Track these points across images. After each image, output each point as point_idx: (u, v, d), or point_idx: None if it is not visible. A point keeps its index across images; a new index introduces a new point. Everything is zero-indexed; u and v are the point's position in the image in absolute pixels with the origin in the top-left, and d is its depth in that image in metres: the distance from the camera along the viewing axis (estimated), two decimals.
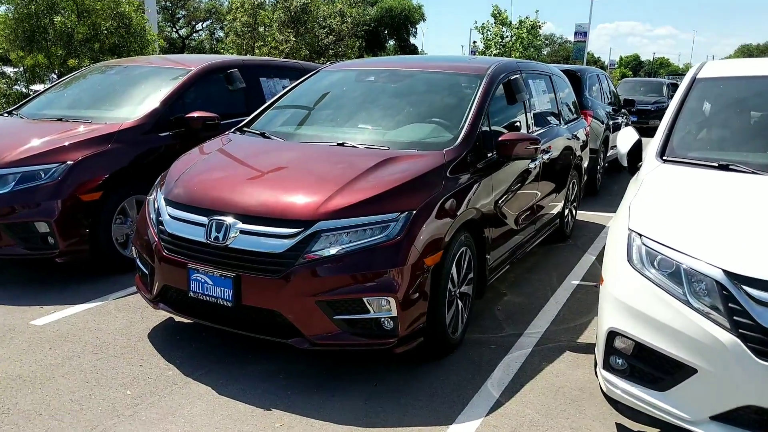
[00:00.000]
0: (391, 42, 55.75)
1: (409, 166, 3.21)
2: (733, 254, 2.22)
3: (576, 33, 44.58)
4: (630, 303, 2.39)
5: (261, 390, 2.91)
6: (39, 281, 4.31)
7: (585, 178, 6.44)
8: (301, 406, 2.77)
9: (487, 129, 3.77)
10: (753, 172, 2.81)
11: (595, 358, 2.76)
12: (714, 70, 3.65)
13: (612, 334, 2.45)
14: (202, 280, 2.95)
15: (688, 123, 3.33)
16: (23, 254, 4.21)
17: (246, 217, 2.92)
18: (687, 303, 2.24)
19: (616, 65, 77.91)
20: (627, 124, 10.78)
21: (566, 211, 5.69)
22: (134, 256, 3.49)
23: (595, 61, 76.54)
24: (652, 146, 3.23)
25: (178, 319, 3.63)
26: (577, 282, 4.64)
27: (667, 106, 12.70)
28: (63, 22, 8.20)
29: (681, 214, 2.55)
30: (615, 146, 9.71)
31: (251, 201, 2.97)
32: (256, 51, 15.93)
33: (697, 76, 3.59)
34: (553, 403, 2.88)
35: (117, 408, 2.73)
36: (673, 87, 22.29)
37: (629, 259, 2.47)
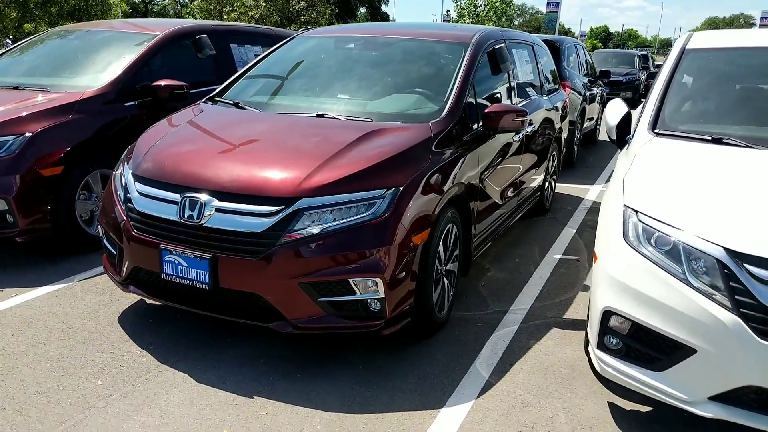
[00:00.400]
0: (363, 10, 54.67)
1: (394, 139, 3.05)
2: (734, 231, 2.15)
3: (548, 3, 44.38)
4: (626, 281, 2.31)
5: (241, 376, 2.77)
6: None
7: (564, 150, 6.38)
8: (284, 393, 2.65)
9: (473, 100, 3.62)
10: (747, 146, 2.74)
11: (587, 337, 2.70)
12: (703, 41, 3.55)
13: (607, 314, 2.38)
14: (176, 262, 2.76)
15: (678, 95, 3.24)
16: None
17: (222, 194, 2.73)
18: (686, 281, 2.17)
19: (586, 36, 78.20)
20: (602, 96, 10.77)
21: (546, 184, 5.63)
22: (101, 234, 3.28)
23: (566, 32, 76.72)
24: (643, 119, 3.14)
25: (149, 300, 3.45)
26: (559, 256, 4.59)
27: (638, 77, 12.77)
28: None
29: (677, 190, 2.47)
30: (591, 118, 9.79)
31: (227, 176, 2.78)
32: (225, 17, 15.32)
33: (686, 47, 3.49)
34: (543, 382, 2.82)
35: (88, 399, 2.56)
36: (644, 59, 22.40)
37: (625, 236, 2.38)
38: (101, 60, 4.93)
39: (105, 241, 3.23)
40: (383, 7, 54.49)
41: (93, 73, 4.77)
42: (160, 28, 5.26)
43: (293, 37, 4.48)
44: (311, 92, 3.84)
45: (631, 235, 2.37)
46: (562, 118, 5.95)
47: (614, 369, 2.37)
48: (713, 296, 2.11)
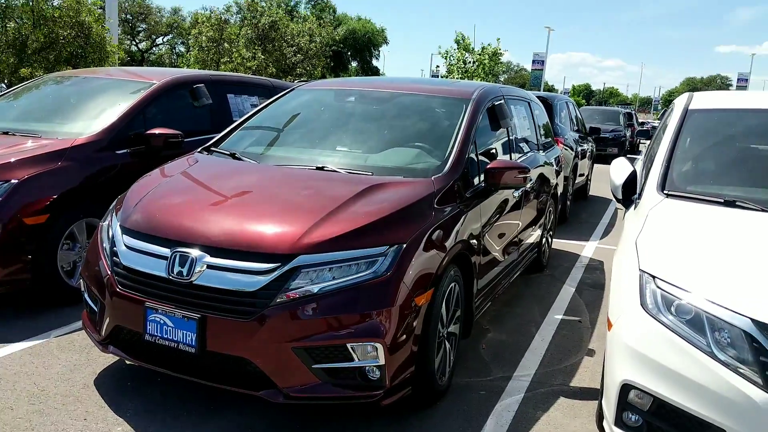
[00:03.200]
0: (354, 63, 56.06)
1: (396, 194, 2.94)
2: (762, 301, 2.03)
3: (534, 61, 45.86)
4: (645, 352, 2.16)
5: None
6: None
7: (560, 205, 6.32)
8: None
9: (474, 156, 3.55)
10: (762, 210, 2.66)
11: (600, 409, 2.52)
12: (705, 102, 3.55)
13: (626, 387, 2.22)
14: (161, 322, 2.57)
15: (685, 155, 3.19)
16: None
17: (214, 249, 2.57)
18: (711, 354, 2.03)
19: (569, 94, 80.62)
20: (592, 152, 10.88)
21: (543, 240, 5.53)
22: (82, 289, 3.08)
23: (549, 89, 78.96)
24: (650, 179, 3.07)
25: (129, 363, 3.21)
26: (560, 316, 4.43)
27: (624, 134, 13.07)
28: (16, 29, 7.66)
29: (696, 255, 2.36)
30: (583, 173, 9.83)
31: (221, 231, 2.63)
32: (221, 66, 15.51)
33: (689, 108, 3.47)
34: None
35: None
36: (629, 116, 22.91)
37: (642, 303, 2.25)
38: (95, 107, 4.85)
39: (86, 296, 3.03)
40: (374, 61, 55.94)
41: (86, 119, 4.67)
42: (157, 76, 5.22)
43: (292, 89, 4.43)
44: (311, 144, 3.75)
45: (649, 302, 2.24)
46: (557, 174, 5.92)
47: None
48: (741, 371, 1.96)
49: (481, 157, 3.66)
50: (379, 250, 2.58)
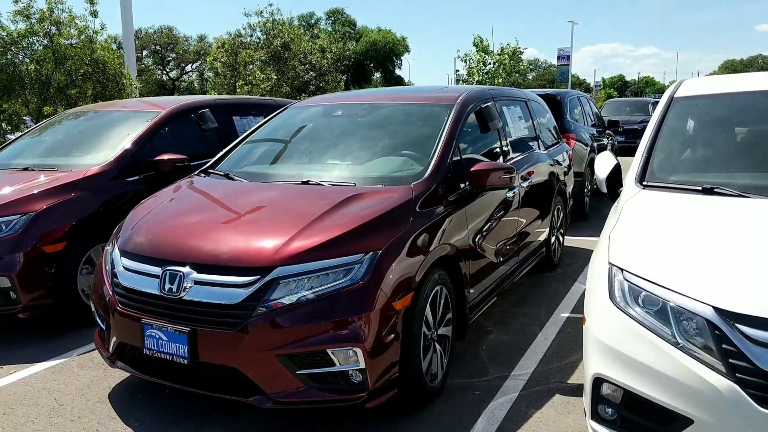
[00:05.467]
0: (377, 74, 56.54)
1: (374, 202, 3.03)
2: (724, 289, 2.03)
3: (559, 57, 45.35)
4: (614, 345, 2.18)
5: None
6: (0, 339, 4.07)
7: (571, 202, 6.28)
8: None
9: (459, 159, 3.61)
10: (739, 195, 2.63)
11: (584, 406, 2.54)
12: (691, 88, 3.52)
13: (598, 381, 2.24)
14: (157, 336, 2.73)
15: (667, 145, 3.18)
16: None
17: (201, 266, 2.73)
18: (676, 345, 2.04)
19: (601, 87, 79.01)
20: (613, 145, 10.71)
21: (552, 238, 5.51)
22: (92, 310, 3.28)
23: (579, 84, 77.64)
24: (630, 171, 3.07)
25: (133, 374, 3.39)
26: (567, 315, 4.42)
27: None
28: (38, 70, 8.12)
29: (665, 245, 2.37)
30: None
31: (206, 249, 2.78)
32: (238, 90, 15.95)
33: (675, 96, 3.46)
34: None
35: None
36: None
37: (611, 296, 2.27)
38: (108, 138, 5.12)
39: (96, 316, 3.23)
40: (397, 71, 56.23)
41: (98, 151, 4.94)
42: (166, 105, 5.47)
43: (286, 107, 4.59)
44: (300, 160, 3.89)
45: (617, 295, 2.26)
46: (566, 171, 5.89)
47: None
48: (706, 360, 1.97)
49: (468, 159, 3.71)
50: (354, 257, 2.68)
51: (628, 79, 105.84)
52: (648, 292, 2.17)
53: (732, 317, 1.95)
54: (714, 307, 1.99)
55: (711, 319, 1.98)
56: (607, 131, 10.57)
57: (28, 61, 8.40)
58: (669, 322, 2.08)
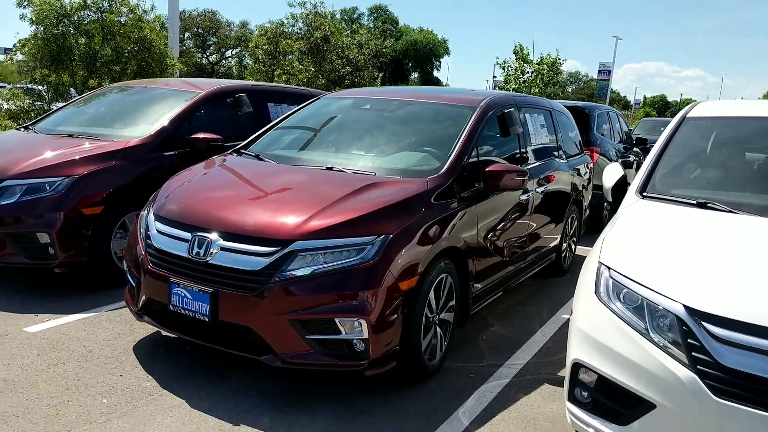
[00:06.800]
0: (415, 74, 56.67)
1: (390, 191, 3.27)
2: (695, 290, 2.23)
3: (599, 71, 44.90)
4: (594, 335, 2.39)
5: (233, 406, 2.94)
6: (37, 290, 4.43)
7: (587, 213, 6.43)
8: (268, 425, 2.80)
9: (476, 160, 3.82)
10: (730, 211, 2.81)
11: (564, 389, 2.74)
12: (706, 109, 3.67)
13: (576, 366, 2.45)
14: (182, 294, 3.02)
15: (672, 161, 3.35)
16: (24, 263, 4.34)
17: (227, 234, 3.00)
18: (648, 337, 2.23)
19: (641, 105, 77.70)
20: (639, 163, 10.75)
21: (564, 245, 5.68)
22: (125, 269, 3.59)
23: (619, 100, 76.52)
24: (634, 183, 3.25)
25: (164, 333, 3.70)
26: (568, 316, 4.60)
27: None
28: (87, 44, 8.53)
29: (651, 249, 2.56)
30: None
31: (233, 219, 3.06)
32: (275, 78, 16.33)
33: (688, 115, 3.62)
34: None
35: (91, 415, 2.79)
36: None
37: (596, 292, 2.48)
38: (149, 113, 5.42)
39: (128, 274, 3.53)
40: (435, 72, 56.25)
41: (140, 124, 5.25)
42: (205, 86, 5.77)
43: (318, 98, 4.85)
44: (327, 148, 4.15)
45: (602, 291, 2.47)
46: (584, 183, 6.04)
47: (582, 422, 2.42)
48: (672, 352, 2.16)
49: (485, 160, 3.93)
50: (367, 239, 2.93)
51: (669, 99, 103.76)
52: (629, 289, 2.37)
53: (700, 315, 2.14)
54: (685, 306, 2.19)
55: (681, 316, 2.18)
56: (635, 149, 10.63)
57: (78, 34, 8.82)
58: (644, 317, 2.28)
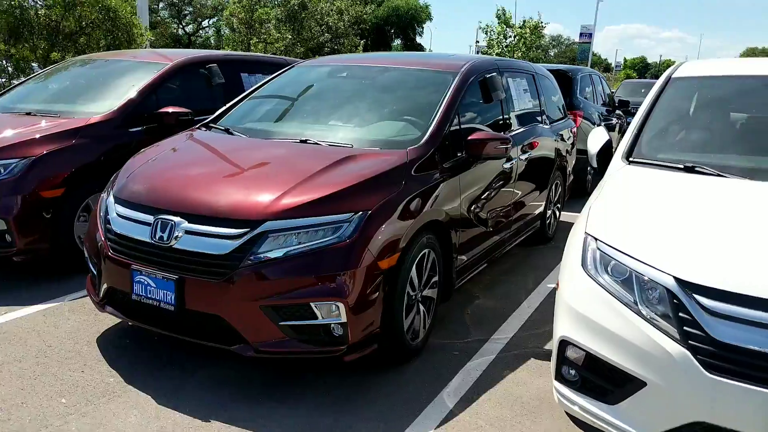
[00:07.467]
0: (398, 41, 55.61)
1: (368, 164, 3.07)
2: (686, 261, 2.09)
3: (581, 34, 44.46)
4: (581, 310, 2.26)
5: (203, 399, 2.77)
6: None
7: (571, 178, 6.29)
8: (243, 417, 2.64)
9: (458, 127, 3.63)
10: (719, 175, 2.66)
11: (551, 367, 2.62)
12: (690, 69, 3.50)
13: (564, 343, 2.32)
14: (145, 282, 2.82)
15: (658, 123, 3.19)
16: None
17: (193, 216, 2.79)
18: (637, 312, 2.10)
19: (622, 67, 77.47)
20: (621, 125, 10.62)
21: (548, 212, 5.55)
22: (86, 255, 3.37)
23: (600, 63, 76.15)
24: (619, 148, 3.10)
25: (121, 319, 3.49)
26: (553, 285, 4.49)
27: None
28: (47, 15, 8.08)
29: (639, 218, 2.41)
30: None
31: (199, 199, 2.84)
32: (252, 48, 15.82)
33: (673, 76, 3.45)
34: (508, 413, 2.75)
35: (47, 418, 2.60)
36: None
37: (583, 264, 2.34)
38: (113, 87, 5.12)
39: (88, 262, 3.31)
40: (418, 38, 55.29)
41: (103, 99, 4.95)
42: (174, 57, 5.46)
43: (292, 66, 4.59)
44: (301, 119, 3.92)
45: (589, 264, 2.32)
46: (568, 148, 5.88)
47: (570, 401, 2.30)
48: (662, 327, 2.03)
49: (467, 128, 3.73)
50: (343, 216, 2.74)
51: (650, 61, 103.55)
52: (617, 261, 2.23)
53: (691, 288, 2.00)
54: (675, 278, 2.05)
55: (671, 289, 2.04)
56: (617, 111, 10.47)
57: (38, 5, 8.35)
58: (633, 291, 2.14)
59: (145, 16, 10.04)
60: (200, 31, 49.19)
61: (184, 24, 49.25)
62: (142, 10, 9.93)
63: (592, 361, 2.20)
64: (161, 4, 46.67)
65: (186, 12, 48.92)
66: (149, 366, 3.06)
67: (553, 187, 5.55)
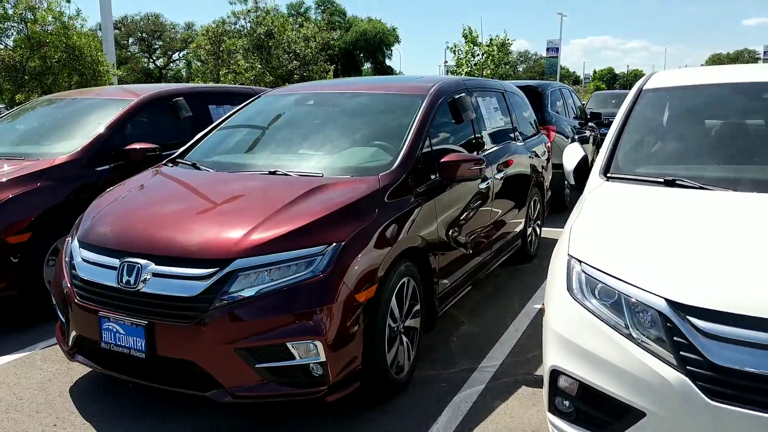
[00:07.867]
0: (368, 65, 56.22)
1: (339, 193, 2.99)
2: (677, 281, 2.01)
3: (548, 49, 45.47)
4: (571, 338, 2.17)
5: None
6: None
7: (549, 194, 6.28)
8: None
9: (429, 150, 3.57)
10: (701, 187, 2.62)
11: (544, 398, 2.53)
12: (661, 80, 3.50)
13: (555, 373, 2.23)
14: (114, 329, 2.68)
15: (633, 137, 3.16)
16: None
17: (159, 257, 2.67)
18: (629, 337, 2.02)
19: (590, 79, 79.19)
20: (595, 138, 10.72)
21: (529, 230, 5.51)
22: (54, 303, 3.22)
23: (569, 76, 77.82)
24: (596, 163, 3.05)
25: (92, 368, 3.33)
26: (540, 306, 4.42)
27: None
28: (11, 56, 7.95)
29: (623, 238, 2.35)
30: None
31: (165, 240, 2.72)
32: (222, 78, 15.77)
33: (644, 88, 3.44)
34: None
35: None
36: None
37: (569, 288, 2.25)
38: (79, 126, 5.00)
39: (57, 309, 3.16)
40: (387, 61, 55.98)
41: (69, 139, 4.83)
42: (140, 92, 5.37)
43: (259, 96, 4.52)
44: (269, 150, 3.84)
45: (575, 287, 2.24)
46: (543, 164, 5.87)
47: None
48: (657, 352, 1.95)
49: (439, 150, 3.68)
50: (316, 249, 2.64)
51: (617, 71, 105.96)
52: (604, 284, 2.15)
53: (684, 309, 1.93)
54: (667, 300, 1.97)
55: (663, 312, 1.96)
56: (590, 123, 10.58)
57: (1, 47, 8.21)
58: (623, 314, 2.06)
59: (111, 52, 9.93)
60: (171, 64, 49.20)
61: (154, 58, 49.24)
62: (108, 46, 9.81)
63: (585, 391, 2.11)
64: (131, 39, 46.61)
65: (156, 46, 48.95)
66: (125, 415, 2.91)
67: (532, 204, 5.52)
